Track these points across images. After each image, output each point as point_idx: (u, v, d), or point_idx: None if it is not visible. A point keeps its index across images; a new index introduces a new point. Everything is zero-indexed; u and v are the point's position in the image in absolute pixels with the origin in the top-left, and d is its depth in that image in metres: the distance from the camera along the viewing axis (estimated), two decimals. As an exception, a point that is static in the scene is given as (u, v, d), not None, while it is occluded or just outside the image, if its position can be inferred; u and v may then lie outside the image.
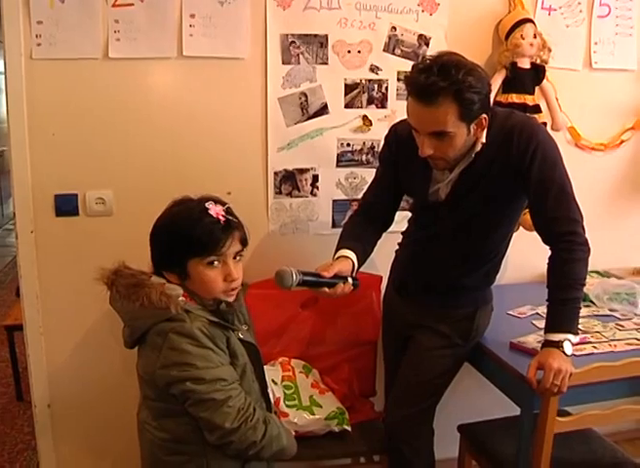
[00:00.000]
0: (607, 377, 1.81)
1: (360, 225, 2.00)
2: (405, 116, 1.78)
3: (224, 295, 1.60)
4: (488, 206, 1.84)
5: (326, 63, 2.31)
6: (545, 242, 1.82)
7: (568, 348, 1.73)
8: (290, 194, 2.39)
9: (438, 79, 1.61)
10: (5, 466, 2.68)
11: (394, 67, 2.37)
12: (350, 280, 1.80)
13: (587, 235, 1.80)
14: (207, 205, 1.57)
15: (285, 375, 2.16)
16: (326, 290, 1.77)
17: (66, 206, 2.21)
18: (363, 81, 2.35)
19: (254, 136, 2.31)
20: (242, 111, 2.28)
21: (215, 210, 1.57)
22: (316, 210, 2.43)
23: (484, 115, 1.71)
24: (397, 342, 2.16)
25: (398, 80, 2.39)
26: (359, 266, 1.89)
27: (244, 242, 1.62)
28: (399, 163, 1.95)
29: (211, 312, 1.57)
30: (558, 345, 1.72)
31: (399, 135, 1.94)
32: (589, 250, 1.79)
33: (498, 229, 1.93)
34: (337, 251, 1.90)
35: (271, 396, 1.97)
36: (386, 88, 2.38)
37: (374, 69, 2.36)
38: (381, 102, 2.38)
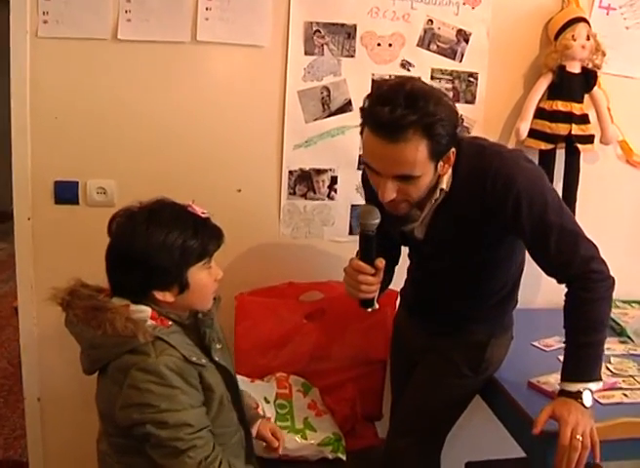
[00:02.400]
0: (636, 435, 1.59)
1: None
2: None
3: (211, 301, 1.49)
4: (473, 249, 1.64)
5: (352, 56, 2.14)
6: (560, 283, 1.60)
7: (587, 399, 1.51)
8: (305, 196, 2.23)
9: (407, 112, 1.37)
10: (-2, 453, 2.64)
11: (428, 64, 2.19)
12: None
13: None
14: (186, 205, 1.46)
15: (280, 393, 2.00)
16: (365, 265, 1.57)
17: (66, 193, 2.10)
18: (392, 77, 2.14)
19: (269, 131, 2.16)
20: (258, 104, 2.14)
21: (197, 209, 1.45)
22: (332, 214, 2.26)
23: (452, 149, 1.50)
24: (405, 365, 1.98)
25: (432, 78, 2.19)
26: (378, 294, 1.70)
27: None
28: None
29: (186, 327, 1.44)
30: (576, 396, 1.51)
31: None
32: (613, 283, 1.55)
33: (497, 268, 1.73)
34: None
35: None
36: (418, 86, 2.18)
37: (405, 65, 2.17)
38: (412, 102, 2.19)
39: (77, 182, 2.10)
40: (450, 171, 1.56)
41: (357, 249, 1.85)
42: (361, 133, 1.49)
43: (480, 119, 2.25)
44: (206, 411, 1.40)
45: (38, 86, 2.01)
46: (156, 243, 1.36)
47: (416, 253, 1.83)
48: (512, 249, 1.69)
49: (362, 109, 1.48)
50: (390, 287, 2.12)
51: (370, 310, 1.64)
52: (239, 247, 2.20)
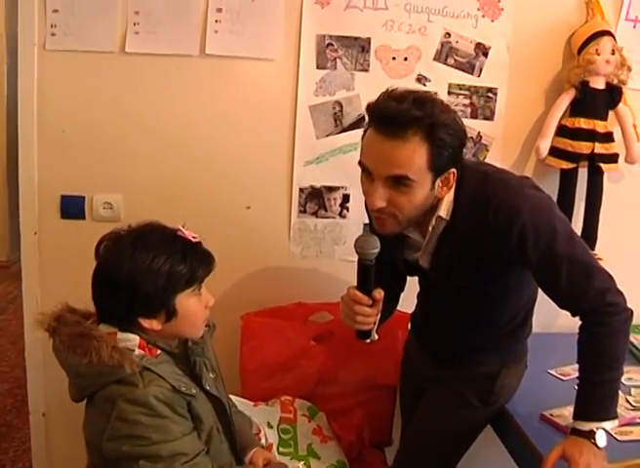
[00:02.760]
0: (652, 478, 1.49)
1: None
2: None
3: (201, 329, 1.43)
4: (480, 279, 1.55)
5: (366, 70, 2.07)
6: (573, 316, 1.51)
7: (601, 439, 1.41)
8: (315, 214, 2.16)
9: (412, 107, 1.33)
10: (6, 465, 2.60)
11: (445, 79, 2.11)
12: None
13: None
14: (176, 229, 1.39)
15: (284, 417, 1.93)
16: (362, 295, 1.49)
17: (73, 208, 2.08)
18: (408, 91, 2.09)
19: (279, 147, 2.11)
20: (268, 118, 2.08)
21: (187, 233, 1.38)
22: (344, 233, 2.19)
23: (453, 170, 1.42)
24: (413, 393, 1.90)
25: (449, 93, 2.12)
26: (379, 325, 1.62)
27: None
28: None
29: (175, 355, 1.38)
30: (589, 436, 1.41)
31: None
32: (631, 315, 1.46)
33: (506, 298, 1.64)
34: None
35: (263, 441, 1.79)
36: (435, 101, 2.11)
37: (421, 80, 2.10)
38: (428, 118, 2.11)
39: (84, 197, 2.08)
40: (452, 197, 1.48)
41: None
42: (362, 137, 1.43)
43: (499, 136, 2.17)
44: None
45: (46, 99, 2.00)
46: (141, 267, 1.30)
47: (423, 281, 1.75)
48: (522, 279, 1.60)
49: (369, 105, 1.42)
50: (402, 309, 2.05)
51: (368, 341, 1.57)
52: (247, 265, 2.16)
